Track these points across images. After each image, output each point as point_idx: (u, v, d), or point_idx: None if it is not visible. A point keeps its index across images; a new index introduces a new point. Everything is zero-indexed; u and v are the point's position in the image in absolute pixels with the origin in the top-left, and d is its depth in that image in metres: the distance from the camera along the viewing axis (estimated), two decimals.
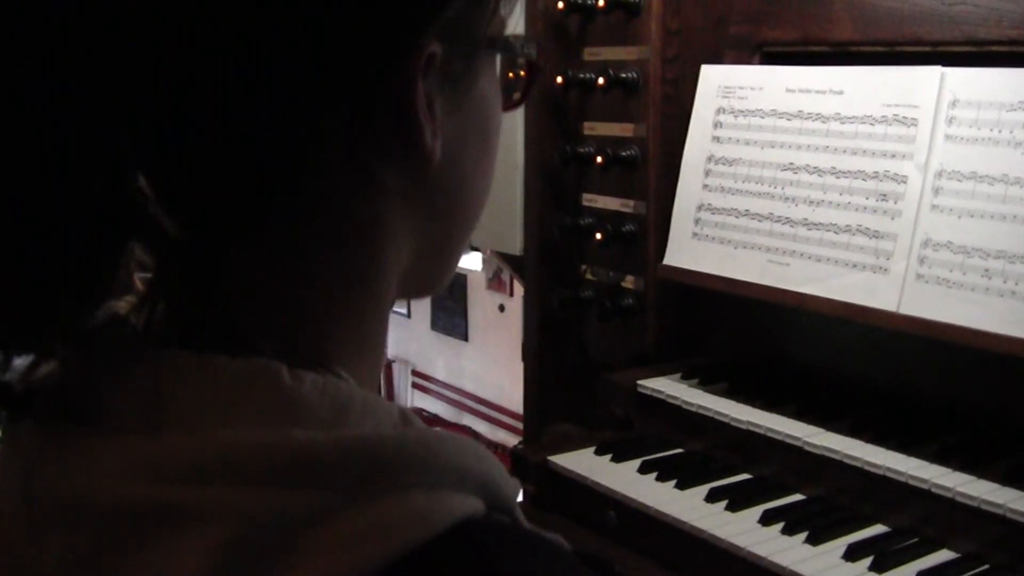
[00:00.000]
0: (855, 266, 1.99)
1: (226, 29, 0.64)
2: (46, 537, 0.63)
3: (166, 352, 0.67)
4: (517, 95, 0.83)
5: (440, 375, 7.17)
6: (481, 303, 6.66)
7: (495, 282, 6.44)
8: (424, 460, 0.64)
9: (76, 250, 0.68)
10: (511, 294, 6.25)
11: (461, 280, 6.80)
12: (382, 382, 7.01)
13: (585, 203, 2.55)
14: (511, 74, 0.82)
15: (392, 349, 7.51)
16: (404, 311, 7.42)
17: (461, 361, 6.89)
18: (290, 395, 0.65)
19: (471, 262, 6.88)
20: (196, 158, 0.67)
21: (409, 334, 7.41)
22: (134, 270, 0.73)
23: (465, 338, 6.88)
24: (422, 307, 7.19)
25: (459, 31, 0.71)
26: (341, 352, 0.72)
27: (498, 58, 0.79)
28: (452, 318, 6.88)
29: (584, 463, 2.16)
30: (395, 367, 7.67)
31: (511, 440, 5.54)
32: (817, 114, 2.10)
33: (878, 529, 1.86)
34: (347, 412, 0.66)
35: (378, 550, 0.60)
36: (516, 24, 0.80)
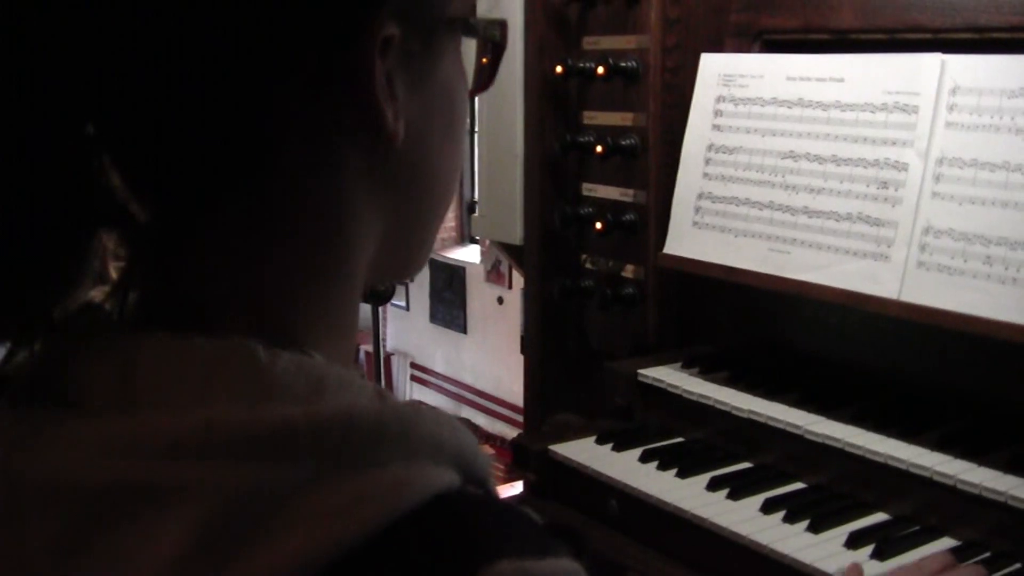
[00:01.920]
0: (856, 254, 1.98)
1: (182, 9, 0.65)
2: (25, 520, 0.63)
3: (140, 334, 0.68)
4: (485, 78, 0.83)
5: (439, 368, 7.18)
6: (480, 296, 6.66)
7: (493, 274, 6.45)
8: (400, 433, 0.65)
9: (47, 237, 0.68)
10: (509, 286, 6.26)
11: (460, 273, 6.80)
12: (381, 375, 7.02)
13: (585, 192, 2.55)
14: (484, 59, 0.82)
15: (391, 342, 7.52)
16: (403, 304, 7.42)
17: (460, 354, 6.90)
18: (266, 372, 0.65)
19: (470, 255, 6.88)
20: (157, 138, 0.68)
21: (408, 327, 7.42)
22: (109, 260, 0.74)
23: (464, 331, 6.88)
24: (421, 300, 7.20)
25: (417, 12, 0.72)
26: (311, 332, 0.72)
27: (474, 42, 0.80)
28: (451, 311, 6.88)
29: (585, 452, 2.16)
30: (394, 360, 7.67)
31: (509, 432, 5.54)
32: (817, 102, 2.10)
33: (880, 517, 1.86)
34: (323, 388, 0.66)
35: (355, 523, 0.60)
36: (504, 10, 0.80)
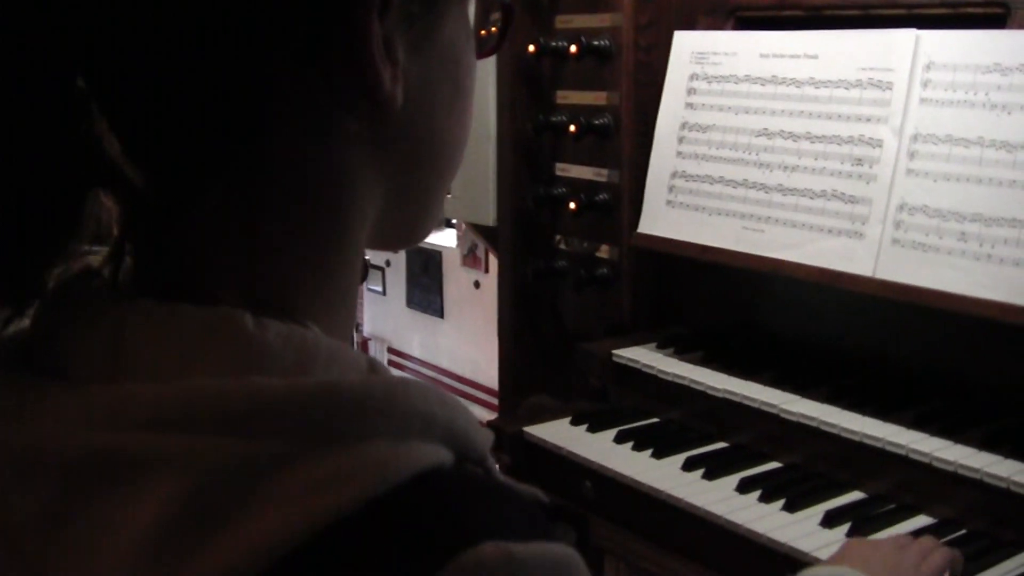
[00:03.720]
0: (830, 231, 1.97)
1: None
2: (5, 490, 0.62)
3: (129, 302, 0.66)
4: (492, 43, 0.80)
5: (416, 352, 7.16)
6: (456, 280, 6.65)
7: (470, 258, 6.43)
8: (388, 408, 0.62)
9: (38, 200, 0.67)
10: (486, 270, 6.25)
11: (436, 257, 6.79)
12: None
13: (558, 172, 2.53)
14: (483, 31, 0.80)
15: (368, 327, 7.50)
16: (379, 288, 7.40)
17: (437, 338, 6.88)
18: (253, 343, 0.63)
19: (446, 239, 6.87)
20: (153, 103, 0.66)
21: (385, 311, 7.40)
22: (114, 221, 0.72)
23: (440, 315, 6.87)
24: (397, 284, 7.18)
25: None
26: (308, 303, 0.70)
27: (472, 4, 0.78)
28: (427, 295, 6.86)
29: (560, 434, 2.15)
30: (371, 345, 7.66)
31: (487, 416, 5.52)
32: (791, 79, 2.09)
33: (855, 496, 1.86)
34: (312, 360, 0.64)
35: (335, 500, 0.59)
36: None
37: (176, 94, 0.65)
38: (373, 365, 0.68)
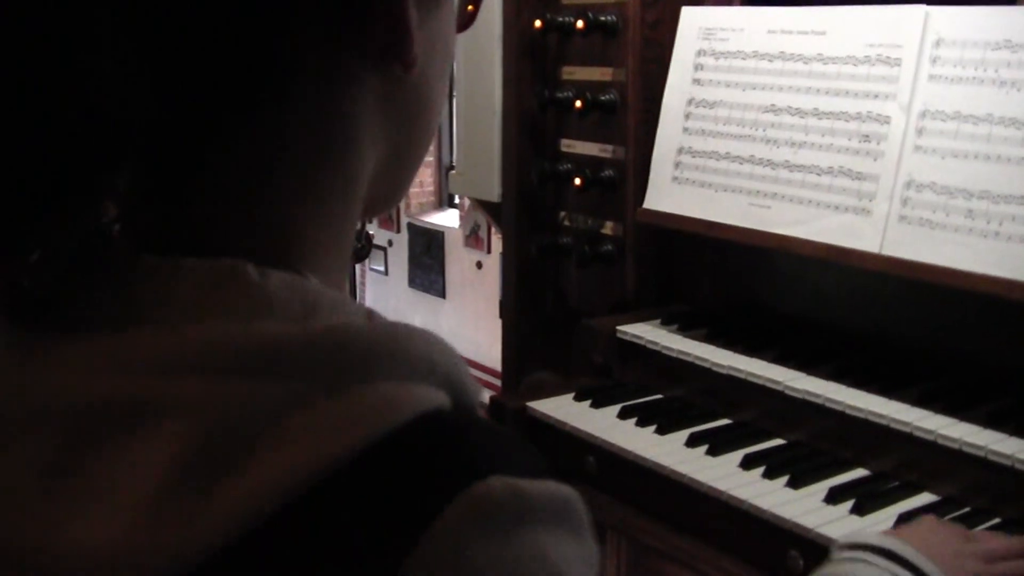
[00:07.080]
0: (837, 208, 1.97)
1: None
2: (11, 446, 0.63)
3: (133, 258, 0.67)
4: (461, 21, 0.83)
5: None
6: (458, 260, 6.64)
7: (472, 239, 6.42)
8: (393, 352, 0.65)
9: (54, 157, 0.66)
10: (488, 251, 6.24)
11: (438, 238, 6.78)
12: None
13: (563, 148, 2.53)
14: (470, 6, 0.83)
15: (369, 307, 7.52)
16: (382, 268, 7.40)
17: (439, 318, 6.88)
18: (258, 292, 0.65)
19: (448, 219, 6.86)
20: (195, 51, 0.66)
21: (387, 291, 7.40)
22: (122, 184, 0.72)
23: (443, 295, 6.87)
24: (399, 265, 7.18)
25: None
26: (309, 256, 0.71)
27: None
28: (429, 275, 6.86)
29: (563, 409, 2.15)
30: None
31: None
32: (799, 55, 2.08)
33: (859, 473, 1.85)
34: (316, 308, 0.66)
35: (347, 439, 0.60)
36: None
37: (217, 45, 0.66)
38: (371, 314, 0.70)
